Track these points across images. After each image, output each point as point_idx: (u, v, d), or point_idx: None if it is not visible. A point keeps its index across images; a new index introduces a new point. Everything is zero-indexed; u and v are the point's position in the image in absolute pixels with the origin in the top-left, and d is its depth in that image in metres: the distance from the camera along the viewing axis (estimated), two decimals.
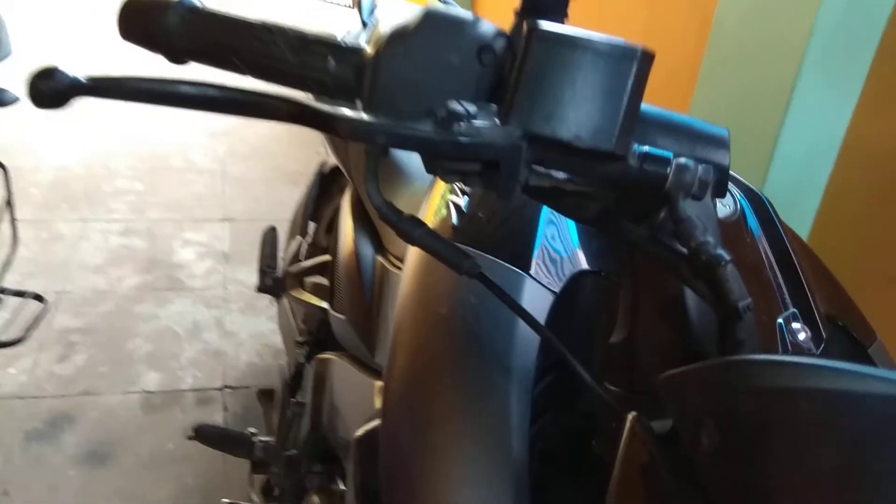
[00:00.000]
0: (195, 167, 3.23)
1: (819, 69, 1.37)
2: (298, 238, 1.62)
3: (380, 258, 1.09)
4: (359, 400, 1.04)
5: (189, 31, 0.47)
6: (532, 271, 0.58)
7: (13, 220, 2.10)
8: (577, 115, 0.39)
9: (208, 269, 2.60)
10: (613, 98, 0.38)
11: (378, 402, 0.92)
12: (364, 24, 1.08)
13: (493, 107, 0.41)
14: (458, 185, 0.68)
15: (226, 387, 2.12)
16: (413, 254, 0.66)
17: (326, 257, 1.39)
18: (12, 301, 2.22)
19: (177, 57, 0.49)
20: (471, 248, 0.59)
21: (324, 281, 1.45)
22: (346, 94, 0.46)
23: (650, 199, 0.41)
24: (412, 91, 0.44)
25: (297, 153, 3.32)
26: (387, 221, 0.46)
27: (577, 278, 0.58)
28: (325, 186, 1.78)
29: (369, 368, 1.05)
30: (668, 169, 0.40)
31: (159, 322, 2.34)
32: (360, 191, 1.22)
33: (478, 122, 0.39)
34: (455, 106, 0.39)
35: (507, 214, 0.61)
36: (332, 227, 1.66)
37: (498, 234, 0.61)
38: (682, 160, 0.40)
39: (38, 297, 2.23)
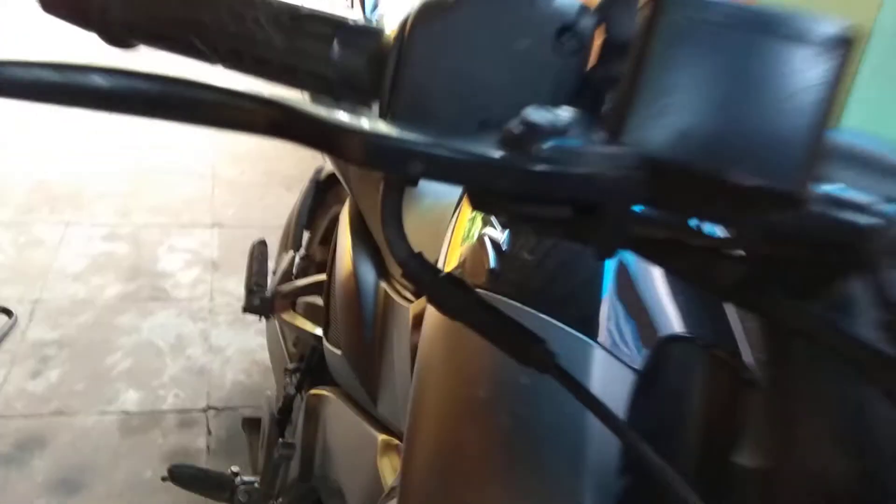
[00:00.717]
0: (184, 169, 3.07)
1: (878, 73, 1.23)
2: (291, 252, 1.47)
3: (384, 285, 0.94)
4: (357, 454, 0.89)
5: None
6: (601, 339, 0.43)
7: None
8: (736, 134, 0.24)
9: (195, 279, 2.44)
10: (800, 108, 0.24)
11: (383, 465, 0.78)
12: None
13: (587, 118, 0.26)
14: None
15: (210, 408, 1.96)
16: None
17: (321, 277, 1.24)
18: None
19: (116, 37, 0.34)
20: (517, 305, 0.43)
21: (318, 301, 1.30)
22: (356, 95, 0.31)
23: (832, 263, 0.26)
24: (454, 91, 0.29)
25: (294, 156, 3.15)
26: (415, 282, 0.31)
27: (663, 348, 0.43)
28: (321, 194, 1.63)
29: (369, 415, 0.90)
30: (869, 220, 0.25)
31: (141, 335, 2.18)
32: (362, 206, 1.07)
33: (571, 143, 0.24)
34: (536, 115, 0.24)
35: (565, 258, 0.46)
36: (327, 239, 1.51)
37: (553, 284, 0.45)
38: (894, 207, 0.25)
39: (6, 311, 2.08)
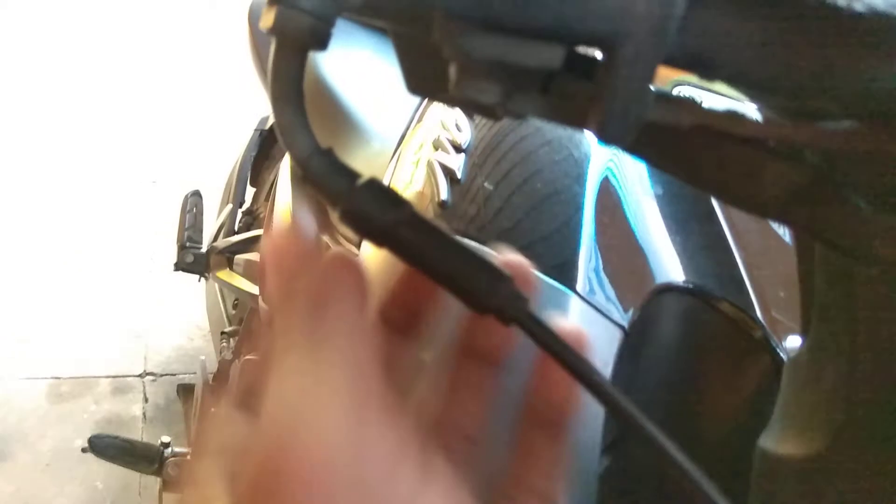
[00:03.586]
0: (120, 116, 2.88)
1: None
2: (230, 206, 1.35)
3: (326, 238, 0.84)
4: None
5: None
6: (580, 287, 0.33)
7: None
8: None
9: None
10: None
11: None
12: None
13: None
14: (447, 136, 0.43)
15: (147, 374, 1.84)
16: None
17: (259, 232, 1.13)
18: None
19: None
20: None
21: (258, 258, 1.19)
22: None
23: None
24: None
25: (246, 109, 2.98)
26: (322, 190, 0.21)
27: (656, 300, 0.34)
28: (266, 145, 1.51)
29: None
30: None
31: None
32: None
33: None
34: None
35: (536, 188, 0.36)
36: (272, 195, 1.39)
37: (520, 221, 0.35)
38: None
39: None
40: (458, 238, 0.22)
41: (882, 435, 0.22)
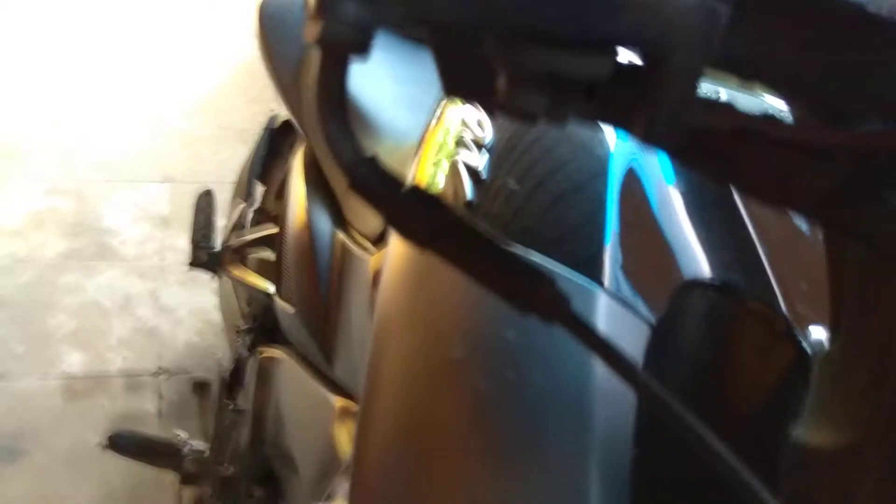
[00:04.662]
0: (132, 120, 2.89)
1: None
2: (242, 204, 1.35)
3: (340, 234, 0.84)
4: (311, 419, 0.80)
5: None
6: (607, 283, 0.34)
7: None
8: None
9: (144, 236, 2.29)
10: None
11: (339, 433, 0.69)
12: None
13: None
14: (470, 134, 0.43)
15: (161, 371, 1.86)
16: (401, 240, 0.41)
17: (273, 228, 1.13)
18: None
19: None
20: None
21: (271, 256, 1.20)
22: None
23: None
24: None
25: (247, 109, 2.99)
26: (368, 196, 0.22)
27: (682, 296, 0.34)
28: (276, 143, 1.52)
29: (325, 378, 0.81)
30: None
31: (86, 295, 2.05)
32: (318, 151, 0.96)
33: None
34: None
35: (560, 186, 0.37)
36: (283, 192, 1.40)
37: (545, 218, 0.36)
38: None
39: None
40: (501, 241, 0.23)
41: None
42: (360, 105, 0.97)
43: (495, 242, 0.22)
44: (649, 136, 0.18)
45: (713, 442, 0.21)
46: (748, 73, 0.17)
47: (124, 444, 1.11)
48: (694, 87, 0.17)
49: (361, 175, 0.22)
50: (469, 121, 0.45)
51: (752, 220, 0.38)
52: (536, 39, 0.17)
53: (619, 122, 0.19)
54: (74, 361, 1.85)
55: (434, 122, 0.51)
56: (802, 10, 0.15)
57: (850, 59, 0.16)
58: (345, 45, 0.21)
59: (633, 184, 0.38)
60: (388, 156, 0.85)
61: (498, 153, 0.40)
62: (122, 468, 1.59)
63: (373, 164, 0.23)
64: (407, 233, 0.22)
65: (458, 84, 0.22)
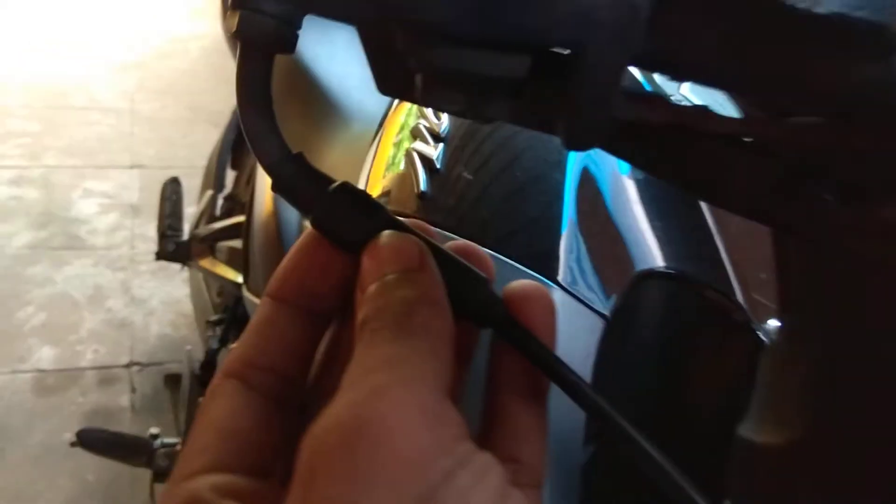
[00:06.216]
0: (100, 105, 2.83)
1: None
2: (210, 192, 1.33)
3: (308, 225, 0.83)
4: None
5: None
6: (562, 277, 0.33)
7: None
8: None
9: (113, 225, 2.25)
10: None
11: None
12: None
13: None
14: (425, 124, 0.42)
15: (133, 364, 1.83)
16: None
17: (240, 218, 1.11)
18: None
19: None
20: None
21: (240, 246, 1.18)
22: None
23: None
24: None
25: (219, 90, 2.94)
26: (291, 197, 0.21)
27: (638, 287, 0.33)
28: None
29: None
30: None
31: (55, 287, 2.01)
32: (288, 138, 0.93)
33: None
34: None
35: (515, 178, 0.36)
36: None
37: (500, 212, 0.35)
38: None
39: None
40: (435, 242, 0.22)
41: (856, 424, 0.22)
42: (326, 88, 0.95)
43: (430, 242, 0.21)
44: (570, 142, 0.17)
45: (648, 448, 0.20)
46: (673, 69, 0.16)
47: (94, 441, 1.09)
48: (613, 85, 0.16)
49: (286, 175, 0.21)
50: (425, 110, 0.43)
51: (710, 209, 0.37)
52: (445, 38, 0.16)
53: (546, 122, 0.18)
54: (45, 355, 1.82)
55: (395, 104, 0.50)
56: (724, 4, 0.14)
57: (773, 56, 0.15)
58: (267, 39, 0.19)
59: (590, 174, 0.37)
60: (355, 141, 0.83)
61: (454, 143, 0.39)
62: (97, 464, 1.57)
63: (299, 162, 0.21)
64: (334, 238, 0.21)
65: (385, 81, 0.20)
